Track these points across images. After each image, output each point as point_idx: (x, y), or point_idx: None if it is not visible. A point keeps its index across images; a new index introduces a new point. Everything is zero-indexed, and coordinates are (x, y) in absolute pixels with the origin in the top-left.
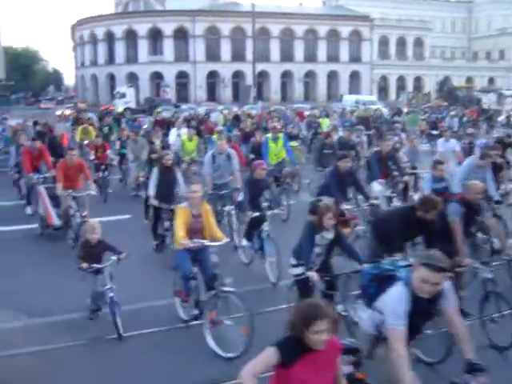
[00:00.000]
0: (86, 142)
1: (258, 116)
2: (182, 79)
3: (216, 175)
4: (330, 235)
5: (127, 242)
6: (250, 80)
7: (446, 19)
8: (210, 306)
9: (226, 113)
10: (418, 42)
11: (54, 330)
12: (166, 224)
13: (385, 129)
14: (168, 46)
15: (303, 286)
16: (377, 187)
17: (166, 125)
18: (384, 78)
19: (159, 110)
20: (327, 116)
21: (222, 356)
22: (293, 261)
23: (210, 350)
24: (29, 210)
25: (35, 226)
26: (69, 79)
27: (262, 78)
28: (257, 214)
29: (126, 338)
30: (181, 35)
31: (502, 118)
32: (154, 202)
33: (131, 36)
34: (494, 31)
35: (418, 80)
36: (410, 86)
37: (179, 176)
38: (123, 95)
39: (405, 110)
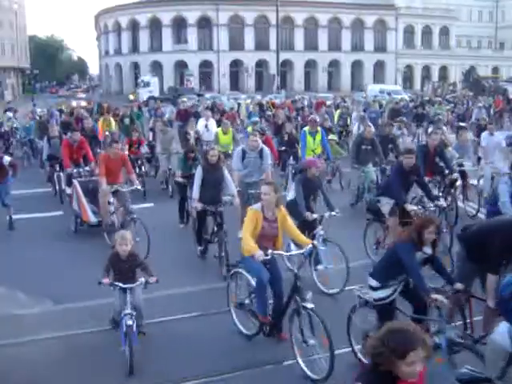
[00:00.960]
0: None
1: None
2: (206, 68)
3: (245, 173)
4: (429, 251)
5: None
6: (273, 69)
7: (472, 8)
8: (290, 324)
9: (249, 102)
10: (444, 31)
11: (79, 315)
12: (213, 226)
13: (410, 121)
14: (192, 35)
15: (385, 312)
16: None
17: (188, 115)
18: (409, 68)
19: (184, 99)
20: (337, 107)
21: (313, 379)
22: (373, 282)
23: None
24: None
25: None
26: (93, 68)
27: (285, 67)
28: (315, 216)
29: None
30: (204, 24)
31: None
32: (198, 205)
33: (155, 24)
34: None
35: (443, 70)
36: (435, 76)
37: (226, 174)
38: (147, 84)
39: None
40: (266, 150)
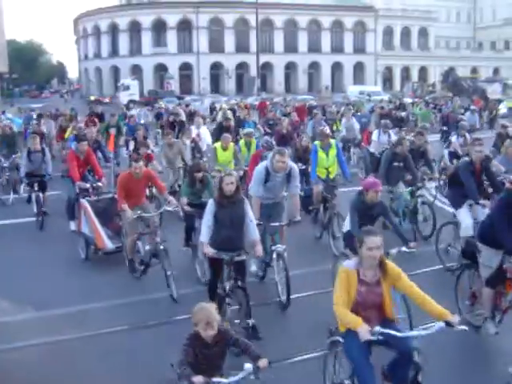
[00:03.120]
0: None
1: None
2: (186, 71)
3: (266, 198)
4: None
5: None
6: (253, 71)
7: (450, 9)
8: None
9: (225, 106)
10: (423, 33)
11: (62, 322)
12: (229, 283)
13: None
14: (172, 38)
15: None
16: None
17: (178, 125)
18: (389, 69)
19: (161, 103)
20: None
21: None
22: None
23: None
24: (73, 226)
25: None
26: (72, 72)
27: (265, 69)
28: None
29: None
30: (184, 26)
31: (503, 110)
32: (209, 251)
33: (135, 28)
34: (499, 21)
35: (422, 70)
36: (414, 77)
37: (248, 209)
38: (127, 87)
39: (409, 101)
40: (295, 168)
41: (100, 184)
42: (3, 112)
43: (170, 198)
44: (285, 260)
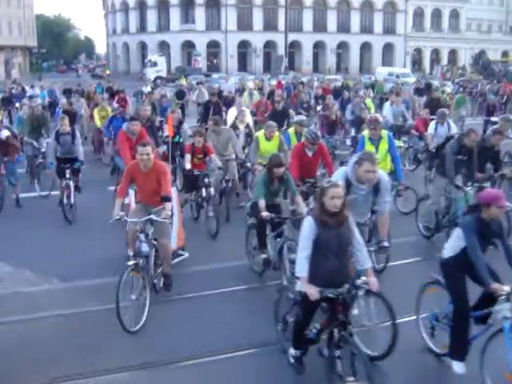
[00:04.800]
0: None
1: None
2: (214, 48)
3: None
4: None
5: None
6: (281, 50)
7: None
8: None
9: (252, 87)
10: (454, 14)
11: (87, 293)
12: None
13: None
14: (200, 15)
15: None
16: None
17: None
18: (418, 51)
19: (182, 80)
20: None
21: None
22: None
23: None
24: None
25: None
26: (100, 47)
27: (293, 48)
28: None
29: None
30: (212, 3)
31: None
32: (314, 292)
33: (163, 4)
34: None
35: (452, 53)
36: (444, 59)
37: (355, 229)
38: (154, 64)
39: (435, 83)
40: (385, 179)
41: None
42: (32, 86)
43: (167, 205)
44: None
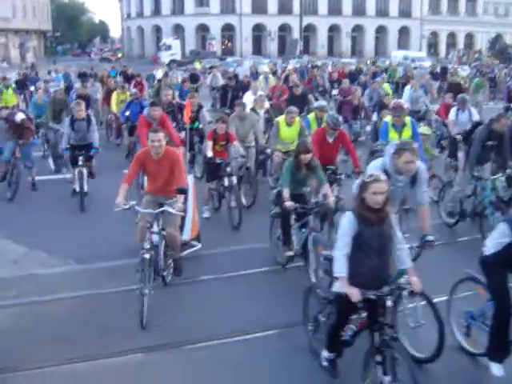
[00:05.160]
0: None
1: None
2: (228, 32)
3: None
4: None
5: None
6: (296, 33)
7: None
8: None
9: (268, 70)
10: None
11: (102, 275)
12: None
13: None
14: None
15: None
16: None
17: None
18: (434, 34)
19: (196, 63)
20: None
21: None
22: None
23: None
24: None
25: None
26: (115, 31)
27: (308, 31)
28: None
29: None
30: None
31: None
32: (355, 293)
33: None
34: None
35: (469, 37)
36: (460, 43)
37: (396, 226)
38: (169, 47)
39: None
40: (423, 169)
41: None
42: (49, 72)
43: (180, 199)
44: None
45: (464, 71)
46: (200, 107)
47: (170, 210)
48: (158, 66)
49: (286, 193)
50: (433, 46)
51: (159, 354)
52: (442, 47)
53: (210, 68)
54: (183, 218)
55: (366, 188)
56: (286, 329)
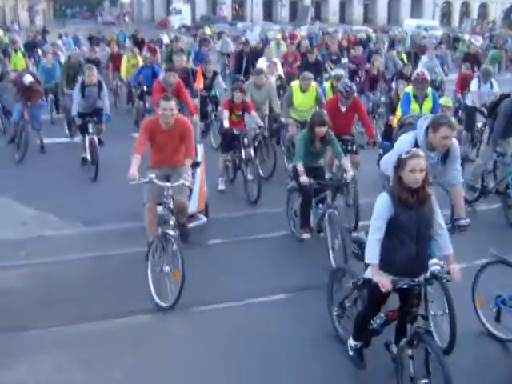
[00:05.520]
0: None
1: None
2: None
3: None
4: None
5: None
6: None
7: None
8: None
9: (279, 36)
10: None
11: (109, 237)
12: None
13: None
14: None
15: None
16: None
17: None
18: (448, 4)
19: (207, 28)
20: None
21: None
22: None
23: None
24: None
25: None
26: None
27: None
28: None
29: None
30: None
31: None
32: (386, 281)
33: None
34: None
35: (483, 7)
36: (474, 13)
37: (437, 209)
38: (179, 12)
39: (466, 37)
40: (456, 146)
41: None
42: (60, 36)
43: (189, 173)
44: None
45: (477, 42)
46: (215, 74)
47: (187, 183)
48: (165, 30)
49: (300, 166)
50: (446, 16)
51: (168, 315)
52: (456, 17)
53: (219, 34)
54: (190, 190)
55: (402, 165)
56: (296, 293)
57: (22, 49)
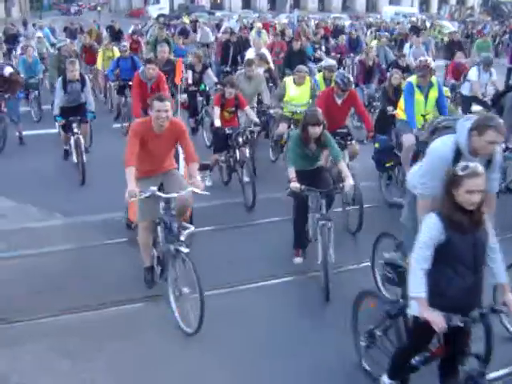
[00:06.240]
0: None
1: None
2: None
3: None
4: None
5: None
6: None
7: None
8: None
9: (260, 25)
10: None
11: (88, 228)
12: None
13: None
14: None
15: None
16: None
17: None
18: None
19: (185, 17)
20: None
21: None
22: None
23: None
24: None
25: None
26: None
27: None
28: None
29: None
30: None
31: None
32: (439, 320)
33: None
34: None
35: None
36: None
37: (491, 231)
38: (157, 1)
39: (446, 24)
40: (499, 151)
41: None
42: (33, 25)
43: (198, 177)
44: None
45: (447, 29)
46: (205, 67)
47: (198, 190)
48: (140, 20)
49: (292, 172)
50: (424, 2)
51: (149, 305)
52: (434, 3)
53: (191, 22)
54: None
55: (458, 183)
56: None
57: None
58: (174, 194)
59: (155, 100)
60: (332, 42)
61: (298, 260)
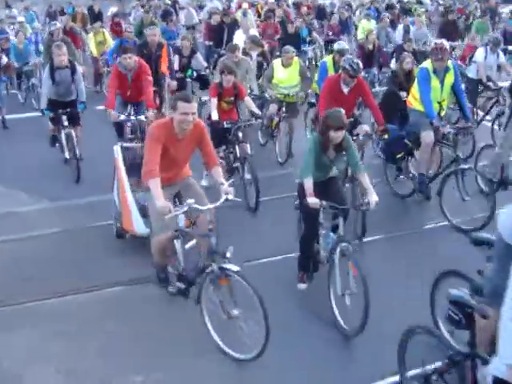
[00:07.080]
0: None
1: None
2: None
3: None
4: None
5: None
6: None
7: None
8: None
9: (246, 6)
10: None
11: (79, 211)
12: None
13: None
14: None
15: None
16: None
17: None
18: None
19: None
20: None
21: None
22: None
23: None
24: None
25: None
26: None
27: None
28: None
29: None
30: None
31: None
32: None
33: None
34: None
35: None
36: None
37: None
38: None
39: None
40: None
41: (143, 117)
42: (8, 6)
43: (229, 185)
44: None
45: (422, 8)
46: (193, 52)
47: (231, 196)
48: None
49: (309, 184)
50: None
51: (142, 287)
52: None
53: (171, 2)
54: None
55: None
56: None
57: None
58: (210, 205)
59: (180, 101)
60: (315, 23)
61: (303, 286)
